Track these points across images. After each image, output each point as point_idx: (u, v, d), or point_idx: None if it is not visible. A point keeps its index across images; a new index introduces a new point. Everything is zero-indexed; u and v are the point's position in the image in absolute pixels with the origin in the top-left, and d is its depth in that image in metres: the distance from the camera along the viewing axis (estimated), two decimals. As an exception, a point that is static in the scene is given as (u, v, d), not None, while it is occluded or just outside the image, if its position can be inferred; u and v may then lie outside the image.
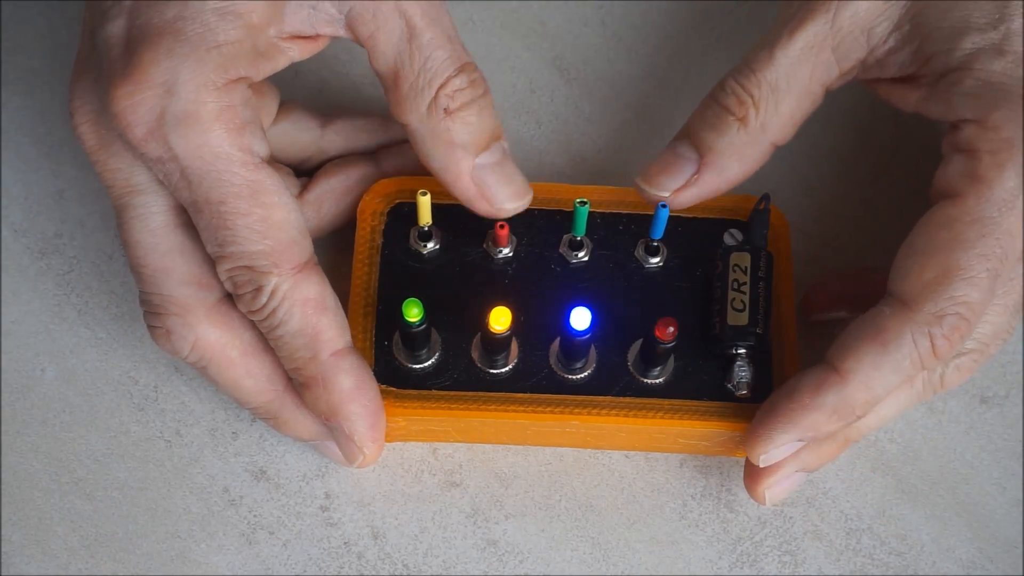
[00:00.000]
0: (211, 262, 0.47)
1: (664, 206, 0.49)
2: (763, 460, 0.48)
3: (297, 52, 0.47)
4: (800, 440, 0.48)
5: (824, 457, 0.50)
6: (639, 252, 0.52)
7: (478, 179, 0.49)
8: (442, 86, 0.47)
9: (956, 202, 0.46)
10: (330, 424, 0.49)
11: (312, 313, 0.47)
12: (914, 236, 0.47)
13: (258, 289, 0.46)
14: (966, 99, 0.46)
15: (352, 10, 0.46)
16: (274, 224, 0.46)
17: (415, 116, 0.48)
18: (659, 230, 0.50)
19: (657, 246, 0.52)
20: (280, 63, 0.47)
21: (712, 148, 0.49)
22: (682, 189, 0.49)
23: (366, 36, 0.47)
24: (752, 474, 0.50)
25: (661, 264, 0.52)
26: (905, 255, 0.47)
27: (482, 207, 0.49)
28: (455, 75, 0.47)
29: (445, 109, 0.47)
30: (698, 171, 0.49)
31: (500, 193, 0.49)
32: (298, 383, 0.48)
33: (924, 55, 0.48)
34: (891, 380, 0.46)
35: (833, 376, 0.46)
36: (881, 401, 0.47)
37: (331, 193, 0.53)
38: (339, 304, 0.48)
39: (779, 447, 0.48)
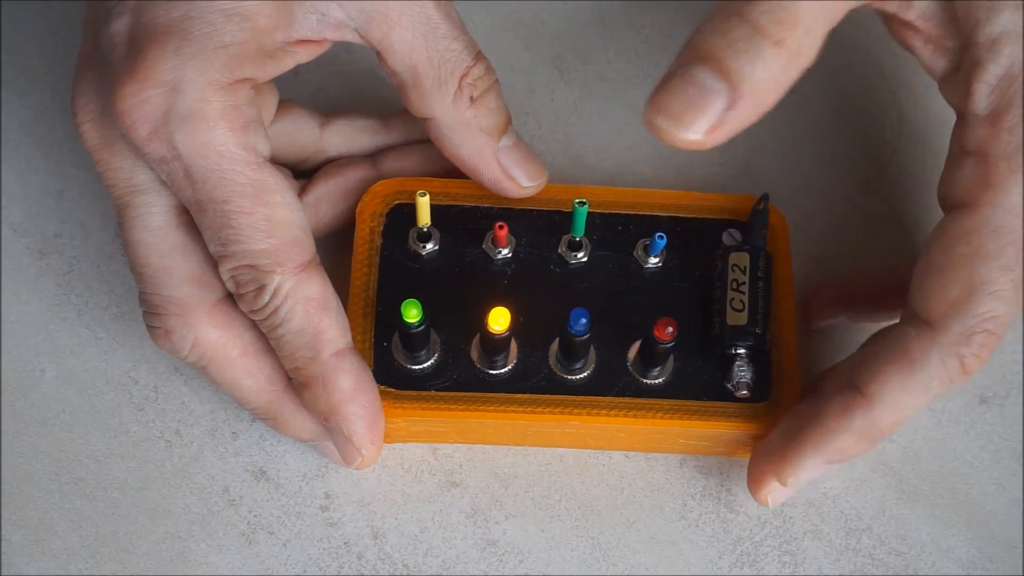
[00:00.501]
0: (212, 262, 0.47)
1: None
2: (792, 483, 0.48)
3: (303, 55, 0.47)
4: (828, 463, 0.47)
5: (834, 468, 0.50)
6: (638, 252, 0.52)
7: (502, 162, 0.50)
8: (463, 76, 0.48)
9: (971, 212, 0.44)
10: (329, 425, 0.49)
11: (314, 313, 0.47)
12: (931, 252, 0.45)
13: (260, 288, 0.46)
14: (983, 89, 0.44)
15: (364, 14, 0.46)
16: (277, 223, 0.46)
17: (440, 108, 0.48)
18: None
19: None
20: (286, 65, 0.47)
21: (746, 78, 0.41)
22: (713, 130, 0.42)
23: (379, 38, 0.47)
24: (756, 478, 0.49)
25: (660, 264, 0.52)
26: (924, 273, 0.45)
27: (509, 188, 0.51)
28: (473, 64, 0.48)
29: (470, 98, 0.48)
30: (731, 106, 0.42)
31: (522, 173, 0.51)
32: (298, 383, 0.48)
33: (952, 18, 0.44)
34: (919, 401, 0.45)
35: (859, 399, 0.46)
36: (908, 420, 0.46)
37: (329, 195, 0.53)
38: (340, 304, 0.48)
39: (808, 472, 0.47)
